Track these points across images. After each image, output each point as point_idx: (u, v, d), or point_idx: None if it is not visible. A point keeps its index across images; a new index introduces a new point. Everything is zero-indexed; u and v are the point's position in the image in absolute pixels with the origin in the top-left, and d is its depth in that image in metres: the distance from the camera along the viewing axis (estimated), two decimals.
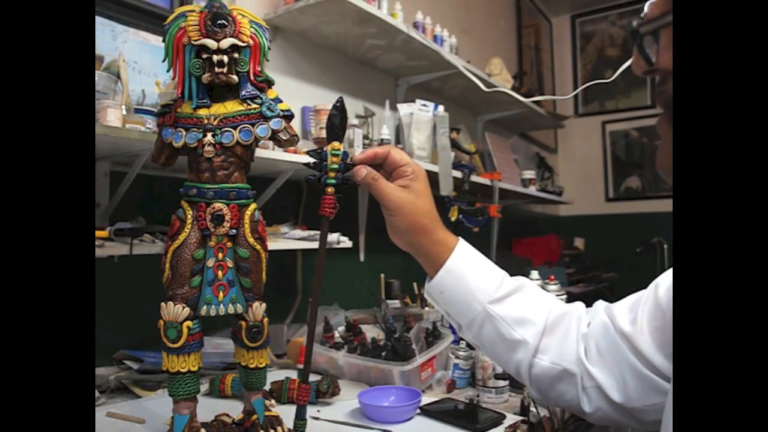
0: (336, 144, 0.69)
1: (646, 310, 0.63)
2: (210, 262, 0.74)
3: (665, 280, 0.64)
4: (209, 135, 0.73)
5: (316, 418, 0.95)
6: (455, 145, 2.07)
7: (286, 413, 0.81)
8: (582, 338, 0.68)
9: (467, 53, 2.42)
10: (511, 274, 0.73)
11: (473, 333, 0.70)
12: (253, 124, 0.75)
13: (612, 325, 0.66)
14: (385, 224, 0.70)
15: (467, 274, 0.69)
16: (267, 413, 0.80)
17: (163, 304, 0.73)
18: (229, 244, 0.75)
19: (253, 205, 0.78)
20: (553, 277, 1.33)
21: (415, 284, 1.65)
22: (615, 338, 0.65)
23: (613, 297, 0.74)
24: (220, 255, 0.75)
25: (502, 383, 1.12)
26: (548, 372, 0.67)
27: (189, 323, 0.73)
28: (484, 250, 0.73)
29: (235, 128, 0.74)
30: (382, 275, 1.61)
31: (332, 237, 1.42)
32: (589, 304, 0.73)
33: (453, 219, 1.96)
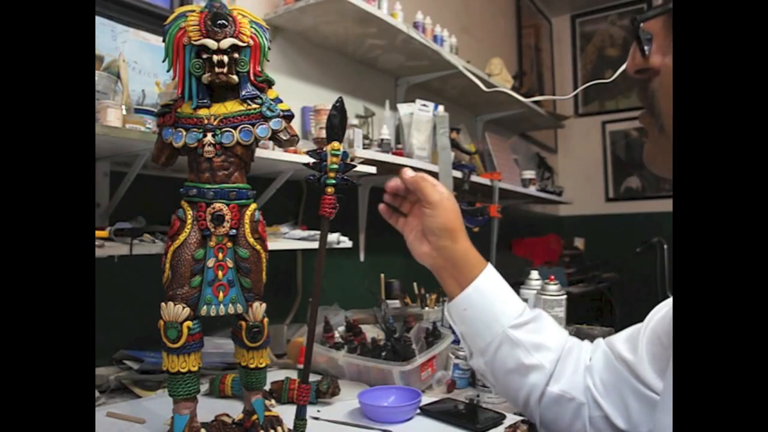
0: (336, 144, 0.69)
1: (645, 337, 0.65)
2: (210, 262, 0.74)
3: (662, 307, 0.65)
4: (209, 135, 0.73)
5: (316, 418, 0.95)
6: (455, 145, 2.07)
7: (286, 413, 0.81)
8: (587, 370, 0.69)
9: (467, 53, 2.42)
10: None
11: (487, 358, 0.70)
12: (253, 124, 0.75)
13: (612, 354, 0.68)
14: (408, 238, 0.73)
15: (494, 296, 0.70)
16: (267, 413, 0.80)
17: (163, 304, 0.73)
18: (229, 244, 0.75)
19: (253, 205, 0.78)
20: (553, 277, 1.33)
21: (415, 284, 1.65)
22: (616, 366, 0.67)
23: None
24: (220, 255, 0.75)
25: None
26: (558, 400, 0.68)
27: (189, 323, 0.73)
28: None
29: (235, 128, 0.74)
30: (382, 275, 1.61)
31: (332, 237, 1.42)
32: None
33: None
